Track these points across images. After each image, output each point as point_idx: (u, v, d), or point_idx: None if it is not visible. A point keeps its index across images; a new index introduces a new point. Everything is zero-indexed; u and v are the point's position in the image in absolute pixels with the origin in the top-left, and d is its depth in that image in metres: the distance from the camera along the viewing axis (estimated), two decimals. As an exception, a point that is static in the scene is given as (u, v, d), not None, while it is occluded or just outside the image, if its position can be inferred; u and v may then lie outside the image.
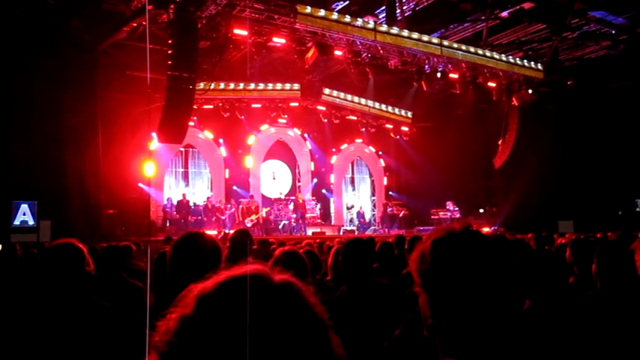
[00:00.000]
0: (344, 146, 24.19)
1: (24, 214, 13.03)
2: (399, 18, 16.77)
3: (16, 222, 12.93)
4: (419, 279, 1.44)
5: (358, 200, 24.46)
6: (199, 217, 18.72)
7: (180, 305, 0.78)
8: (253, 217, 19.35)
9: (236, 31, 14.83)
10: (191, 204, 18.97)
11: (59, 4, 13.70)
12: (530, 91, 20.09)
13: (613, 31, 17.87)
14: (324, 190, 23.47)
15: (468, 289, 1.33)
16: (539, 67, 19.73)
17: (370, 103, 22.31)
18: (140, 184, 18.86)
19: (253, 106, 20.56)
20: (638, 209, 19.79)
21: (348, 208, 22.86)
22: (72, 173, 14.28)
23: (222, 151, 21.36)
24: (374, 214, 24.76)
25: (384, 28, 16.60)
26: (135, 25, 14.89)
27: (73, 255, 2.79)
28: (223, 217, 18.90)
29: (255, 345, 0.70)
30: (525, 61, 19.61)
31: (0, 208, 12.87)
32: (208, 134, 20.97)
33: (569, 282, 3.80)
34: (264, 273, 0.80)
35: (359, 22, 16.21)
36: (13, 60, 13.45)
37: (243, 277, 0.78)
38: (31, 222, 13.02)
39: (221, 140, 21.21)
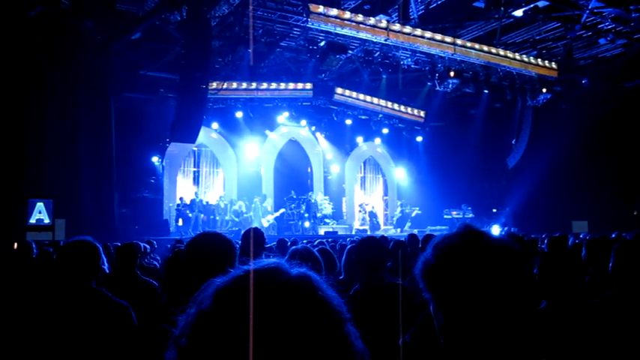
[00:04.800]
0: (356, 146, 24.16)
1: (39, 212, 13.14)
2: (412, 17, 16.71)
3: (32, 220, 13.05)
4: (425, 284, 1.43)
5: (370, 200, 24.41)
6: (212, 216, 18.79)
7: (199, 300, 0.78)
8: (270, 217, 19.46)
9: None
10: (204, 203, 19.05)
11: (72, 5, 13.83)
12: (544, 90, 19.93)
13: (629, 29, 17.66)
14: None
15: (472, 291, 1.32)
16: (554, 65, 19.56)
17: (383, 102, 22.25)
18: (153, 183, 18.98)
19: (265, 105, 20.59)
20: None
21: (360, 208, 22.83)
22: (86, 172, 14.41)
23: (235, 150, 21.42)
24: (386, 214, 24.71)
25: (397, 27, 16.56)
26: (148, 25, 14.99)
27: (88, 252, 2.82)
28: (235, 217, 18.96)
29: (273, 337, 0.70)
30: (539, 59, 19.45)
31: (16, 206, 13.00)
32: (221, 133, 21.03)
33: (585, 282, 3.76)
34: (281, 267, 0.80)
35: (371, 21, 16.17)
36: (27, 61, 13.58)
37: (260, 271, 0.79)
38: (46, 220, 13.13)
39: (233, 139, 21.26)
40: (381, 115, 22.72)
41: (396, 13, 16.78)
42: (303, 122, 22.24)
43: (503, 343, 1.30)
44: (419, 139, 23.92)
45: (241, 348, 0.70)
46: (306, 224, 19.84)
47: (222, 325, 0.72)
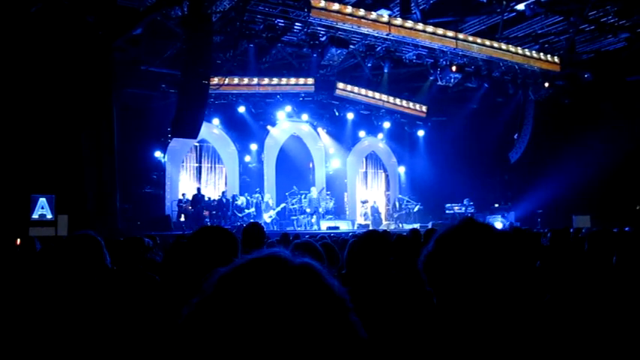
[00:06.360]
0: (358, 141, 24.14)
1: (42, 208, 13.18)
2: (413, 11, 16.66)
3: (35, 215, 13.09)
4: (426, 275, 1.44)
5: (372, 195, 24.40)
6: (214, 212, 18.82)
7: (202, 289, 0.78)
8: (272, 212, 19.49)
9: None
10: (206, 198, 19.08)
11: (73, 1, 13.81)
12: (546, 85, 19.88)
13: (631, 23, 17.57)
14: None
15: (468, 278, 1.33)
16: (556, 59, 19.51)
17: (384, 97, 22.21)
18: (155, 179, 19.02)
19: (267, 100, 20.59)
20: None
21: (362, 203, 22.84)
22: (88, 168, 14.43)
23: (236, 146, 21.43)
24: (388, 209, 24.71)
25: (399, 21, 16.51)
26: (149, 20, 14.97)
27: (91, 246, 2.82)
28: (238, 212, 18.98)
29: (275, 325, 0.70)
30: (542, 54, 19.39)
31: (18, 201, 13.03)
32: (222, 129, 21.04)
33: (587, 275, 3.75)
34: (284, 255, 0.80)
35: (373, 15, 16.13)
36: (29, 57, 13.59)
37: (264, 259, 0.79)
38: (49, 215, 13.17)
39: (235, 135, 21.27)
40: (382, 110, 22.70)
41: (398, 8, 16.72)
42: (305, 117, 22.23)
43: (502, 331, 1.30)
44: (421, 133, 23.91)
45: (245, 333, 0.70)
46: (308, 219, 19.86)
47: (225, 311, 0.72)
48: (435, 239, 1.46)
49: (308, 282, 0.76)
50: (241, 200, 19.46)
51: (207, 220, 18.00)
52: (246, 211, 19.10)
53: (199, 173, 21.35)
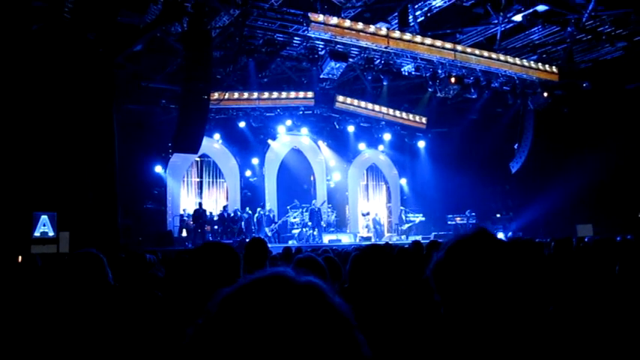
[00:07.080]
0: (358, 153, 24.17)
1: (44, 225, 13.17)
2: (411, 24, 16.75)
3: (37, 233, 13.08)
4: (435, 283, 1.44)
5: (374, 207, 24.39)
6: (216, 227, 18.80)
7: (206, 309, 0.78)
8: (273, 226, 19.49)
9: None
10: (207, 213, 19.08)
11: (74, 19, 13.90)
12: (545, 94, 19.94)
13: (628, 32, 17.65)
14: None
15: (477, 286, 1.34)
16: (554, 69, 19.58)
17: (384, 109, 22.28)
18: (156, 194, 19.02)
19: (267, 114, 20.65)
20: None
21: (363, 215, 22.83)
22: (89, 185, 14.43)
23: (237, 160, 21.47)
24: (390, 221, 24.69)
25: (397, 34, 16.60)
26: (149, 37, 15.06)
27: (93, 263, 2.82)
28: (238, 226, 18.96)
29: (282, 344, 0.70)
30: (540, 64, 19.47)
31: (20, 219, 13.02)
32: (223, 143, 21.09)
33: (590, 283, 3.74)
34: (288, 274, 0.80)
35: (371, 29, 16.22)
36: (30, 74, 13.65)
37: (267, 278, 0.79)
38: (51, 233, 13.16)
39: (236, 149, 21.32)
40: (382, 122, 22.75)
41: (396, 21, 16.82)
42: (305, 131, 22.30)
43: (511, 341, 1.30)
44: (421, 145, 23.94)
45: (249, 354, 0.70)
46: (310, 232, 19.84)
47: (229, 332, 0.73)
48: (446, 248, 1.47)
49: (312, 302, 0.76)
50: (238, 213, 19.47)
51: (209, 235, 17.98)
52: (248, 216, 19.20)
53: (200, 188, 21.36)
